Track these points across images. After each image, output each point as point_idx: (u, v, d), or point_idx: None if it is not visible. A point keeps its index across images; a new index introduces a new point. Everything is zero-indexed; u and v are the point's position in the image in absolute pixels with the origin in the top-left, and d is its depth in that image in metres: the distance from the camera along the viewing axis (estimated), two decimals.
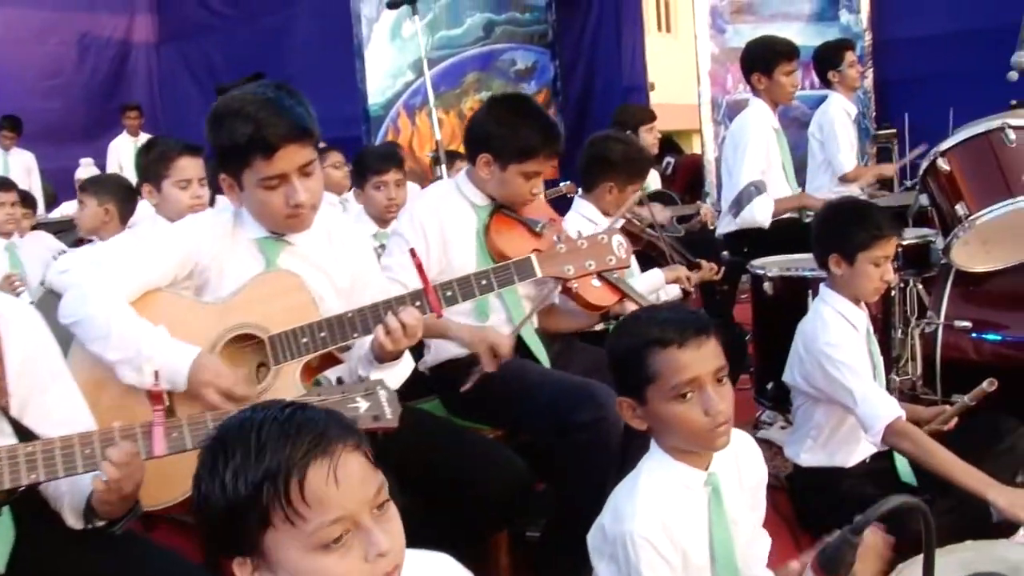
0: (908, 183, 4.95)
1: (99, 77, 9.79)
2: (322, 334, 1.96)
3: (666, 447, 1.65)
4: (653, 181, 5.54)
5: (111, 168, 8.37)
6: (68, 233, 5.05)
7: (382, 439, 1.50)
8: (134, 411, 1.82)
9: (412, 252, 2.08)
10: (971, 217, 2.92)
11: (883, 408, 2.35)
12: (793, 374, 2.59)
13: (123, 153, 8.56)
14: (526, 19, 7.89)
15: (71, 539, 1.67)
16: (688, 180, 7.52)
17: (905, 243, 3.14)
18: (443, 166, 4.11)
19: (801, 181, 4.58)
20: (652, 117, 5.64)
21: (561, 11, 8.09)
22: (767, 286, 3.23)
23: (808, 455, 2.57)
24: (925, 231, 3.38)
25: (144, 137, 8.14)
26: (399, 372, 2.09)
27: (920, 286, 3.19)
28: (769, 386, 3.20)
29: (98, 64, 9.79)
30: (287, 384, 1.93)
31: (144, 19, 10.09)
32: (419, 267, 2.01)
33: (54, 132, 8.91)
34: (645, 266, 3.34)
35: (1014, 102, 3.77)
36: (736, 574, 1.65)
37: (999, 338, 3.02)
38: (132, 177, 3.93)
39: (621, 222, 3.12)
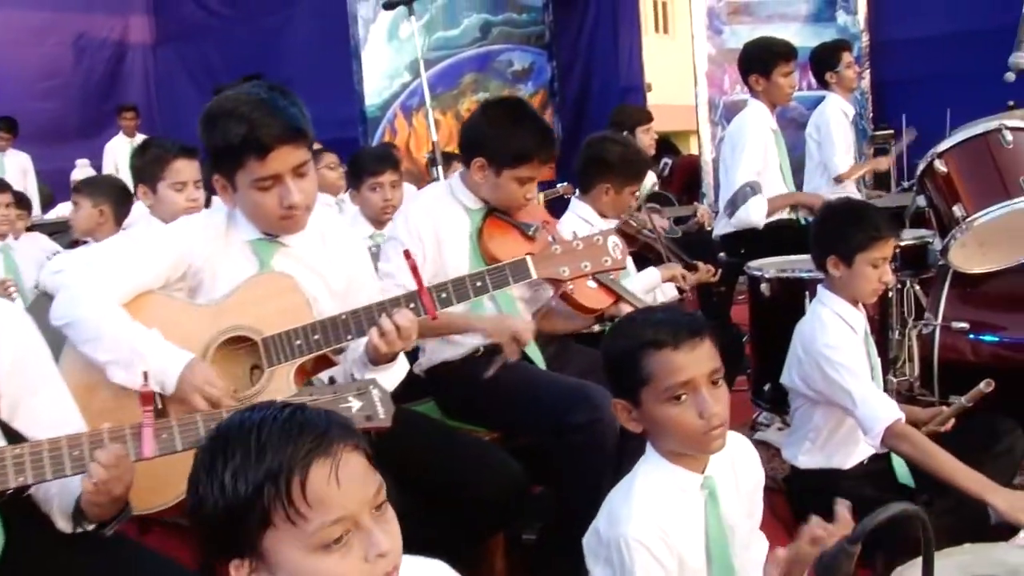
0: (905, 184, 4.95)
1: (95, 78, 9.78)
2: (316, 336, 1.95)
3: (662, 450, 1.64)
4: (650, 182, 5.54)
5: (107, 169, 8.35)
6: (63, 234, 5.04)
7: (376, 441, 1.49)
8: (127, 414, 1.80)
9: (406, 253, 2.07)
10: (968, 218, 2.91)
11: (883, 410, 2.34)
12: (791, 376, 2.58)
13: (119, 154, 8.53)
14: (523, 20, 7.89)
15: (61, 542, 1.66)
16: (685, 181, 7.52)
17: (902, 244, 3.14)
18: (439, 167, 4.11)
19: (799, 182, 4.58)
20: (649, 118, 5.64)
21: (558, 12, 8.09)
22: (764, 287, 3.22)
23: (806, 457, 2.56)
24: (922, 232, 3.37)
25: (140, 138, 8.13)
26: (393, 374, 2.08)
27: (917, 287, 3.19)
28: (766, 387, 3.19)
29: (94, 65, 9.78)
30: (280, 386, 1.92)
31: (141, 20, 10.08)
32: (413, 268, 2.00)
33: (50, 133, 8.91)
34: (642, 268, 3.33)
35: (1011, 103, 3.76)
36: None
37: (996, 339, 3.02)
38: (128, 178, 3.91)
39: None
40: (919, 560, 1.17)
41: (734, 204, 4.06)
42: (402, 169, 4.11)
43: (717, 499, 1.64)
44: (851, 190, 4.58)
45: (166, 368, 1.87)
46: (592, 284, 2.26)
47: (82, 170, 7.75)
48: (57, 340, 1.93)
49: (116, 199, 3.80)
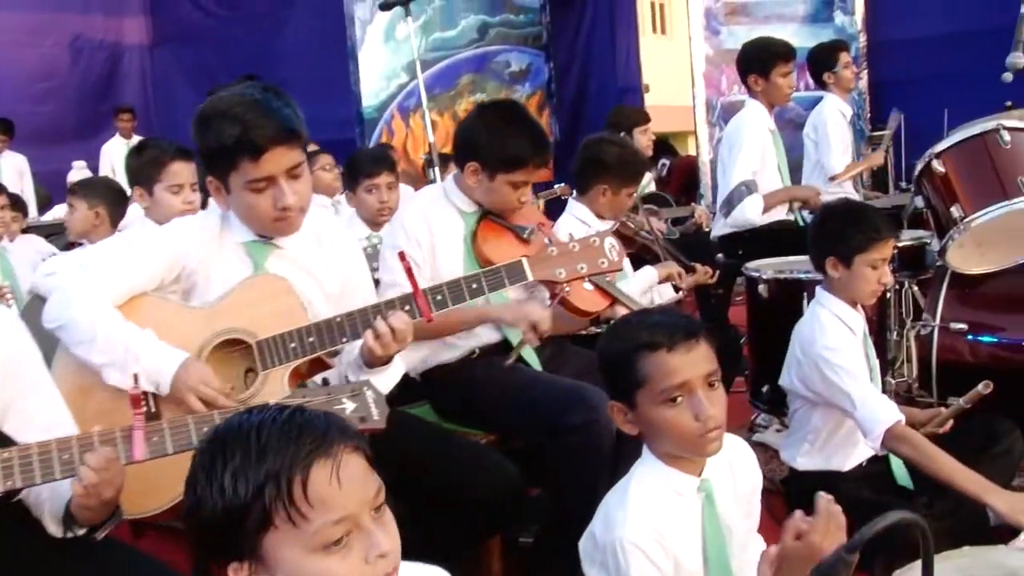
0: (903, 184, 4.95)
1: (92, 79, 9.75)
2: (311, 339, 1.94)
3: (658, 453, 1.63)
4: (647, 183, 5.53)
5: (104, 171, 8.34)
6: (60, 236, 5.02)
7: (371, 444, 1.48)
8: (123, 416, 1.78)
9: (401, 255, 2.06)
10: (966, 219, 2.90)
11: (882, 412, 2.34)
12: (790, 377, 2.57)
13: (116, 156, 8.51)
14: (520, 21, 7.88)
15: (52, 547, 1.64)
16: (683, 182, 7.52)
17: (900, 245, 3.13)
18: (436, 168, 4.09)
19: (796, 182, 4.57)
20: (646, 119, 5.64)
21: (555, 13, 8.08)
22: (762, 288, 3.21)
23: (805, 459, 2.55)
24: (920, 233, 3.37)
25: (137, 140, 8.11)
26: (389, 377, 2.07)
27: (915, 288, 3.18)
28: (764, 389, 3.18)
29: (91, 66, 9.75)
30: (275, 390, 1.91)
31: (137, 21, 10.06)
32: (408, 271, 1.99)
33: (47, 135, 8.89)
34: (639, 269, 3.32)
35: (1009, 103, 3.75)
36: None
37: (995, 340, 3.01)
38: (125, 180, 3.90)
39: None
40: (918, 563, 1.16)
41: (730, 204, 4.06)
42: (399, 170, 4.09)
43: (714, 502, 1.63)
44: (848, 190, 4.58)
45: (160, 368, 1.86)
46: (588, 286, 2.25)
47: (79, 172, 7.74)
48: (49, 343, 1.92)
49: (112, 201, 3.78)
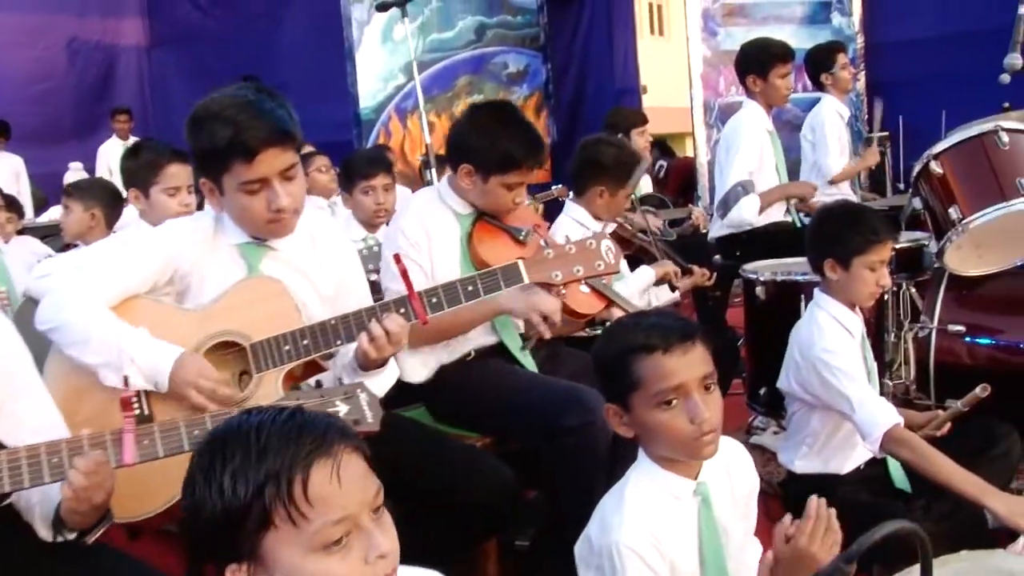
0: (901, 186, 4.94)
1: (89, 81, 9.73)
2: (305, 342, 1.93)
3: (654, 456, 1.62)
4: (645, 185, 5.53)
5: (100, 172, 8.33)
6: (56, 238, 5.00)
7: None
8: (115, 419, 1.77)
9: (396, 258, 2.05)
10: (964, 221, 2.90)
11: (881, 415, 2.33)
12: (788, 380, 2.56)
13: (112, 157, 8.49)
14: (518, 22, 7.88)
15: (43, 551, 1.63)
16: (680, 184, 7.52)
17: (898, 247, 3.12)
18: (433, 170, 4.08)
19: None
20: (644, 120, 5.63)
21: (553, 14, 8.08)
22: (760, 290, 3.20)
23: (803, 462, 2.54)
24: (918, 235, 3.36)
25: (134, 141, 8.10)
26: (384, 380, 2.06)
27: (913, 290, 3.17)
28: (762, 391, 3.17)
29: (88, 68, 9.73)
30: (269, 392, 1.90)
31: (134, 23, 10.04)
32: (403, 273, 1.98)
33: (43, 136, 8.86)
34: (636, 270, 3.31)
35: (1007, 104, 3.74)
36: None
37: (993, 342, 3.00)
38: (121, 182, 3.88)
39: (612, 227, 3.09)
40: (916, 568, 1.15)
41: (726, 204, 4.05)
42: (396, 172, 4.08)
43: (711, 505, 1.62)
44: (846, 191, 4.57)
45: (157, 365, 1.85)
46: (585, 289, 2.24)
47: (75, 173, 7.73)
48: (41, 346, 1.91)
49: (107, 203, 3.77)
